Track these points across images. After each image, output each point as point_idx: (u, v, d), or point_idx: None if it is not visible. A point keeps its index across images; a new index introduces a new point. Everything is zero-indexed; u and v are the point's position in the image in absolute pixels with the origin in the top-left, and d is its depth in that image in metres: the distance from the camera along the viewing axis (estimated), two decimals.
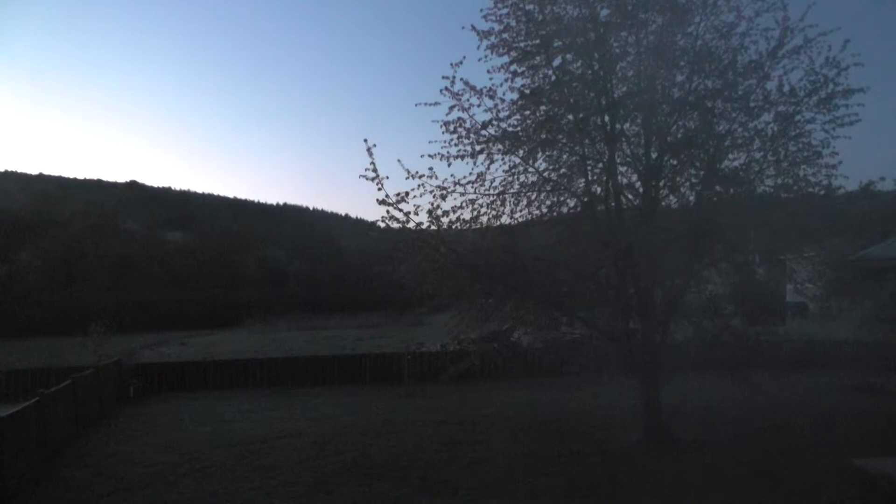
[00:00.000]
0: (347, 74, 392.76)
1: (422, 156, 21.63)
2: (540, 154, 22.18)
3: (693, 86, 21.27)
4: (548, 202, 22.62)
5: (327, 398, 34.49)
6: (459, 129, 21.45)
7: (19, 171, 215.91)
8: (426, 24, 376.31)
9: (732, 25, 20.78)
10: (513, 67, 21.92)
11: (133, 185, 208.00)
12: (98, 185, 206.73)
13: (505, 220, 22.52)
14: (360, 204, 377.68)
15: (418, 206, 21.00)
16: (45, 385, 24.21)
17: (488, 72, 21.89)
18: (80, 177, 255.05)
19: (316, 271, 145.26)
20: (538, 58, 21.86)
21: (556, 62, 21.91)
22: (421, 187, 21.09)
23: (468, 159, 21.69)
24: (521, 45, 21.85)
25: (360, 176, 20.67)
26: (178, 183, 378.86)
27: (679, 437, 21.37)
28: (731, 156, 21.26)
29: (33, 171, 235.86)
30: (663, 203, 22.04)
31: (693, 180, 21.58)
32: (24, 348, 67.27)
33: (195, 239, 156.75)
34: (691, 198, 21.74)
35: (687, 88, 21.32)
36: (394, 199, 20.75)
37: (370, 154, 20.50)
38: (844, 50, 19.57)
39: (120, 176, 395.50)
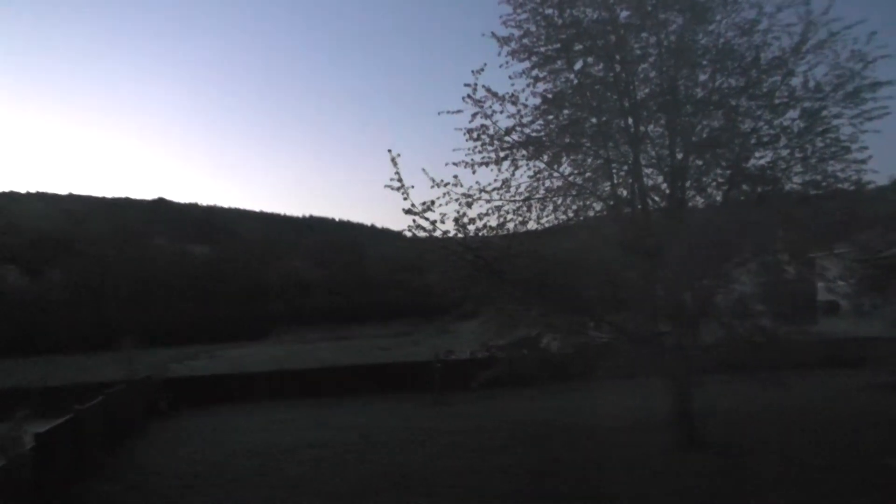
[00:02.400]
0: (371, 85, 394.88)
1: (446, 164, 21.64)
2: (564, 158, 22.09)
3: (716, 85, 21.14)
4: (574, 207, 22.56)
5: (356, 407, 34.53)
6: (483, 137, 21.40)
7: (49, 191, 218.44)
8: (447, 32, 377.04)
9: (754, 22, 20.57)
10: (534, 72, 21.90)
11: (160, 202, 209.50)
12: (126, 202, 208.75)
13: (531, 225, 22.46)
14: (386, 213, 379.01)
15: (444, 215, 20.89)
16: (77, 401, 24.30)
17: (510, 77, 21.89)
18: (108, 195, 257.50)
19: (342, 281, 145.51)
20: (559, 62, 21.81)
21: (578, 66, 21.85)
22: (446, 195, 20.99)
23: (493, 166, 21.65)
24: (542, 49, 21.80)
25: (386, 186, 20.58)
26: (205, 198, 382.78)
27: (710, 441, 21.09)
28: (757, 154, 21.06)
29: (62, 191, 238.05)
30: (690, 204, 21.87)
31: (719, 180, 21.41)
32: (55, 365, 67.76)
33: (222, 253, 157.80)
34: (718, 198, 21.57)
35: (710, 87, 21.19)
36: (420, 207, 20.66)
37: (395, 164, 20.41)
38: (870, 42, 19.37)
39: (147, 193, 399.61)
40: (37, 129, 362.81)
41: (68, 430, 21.60)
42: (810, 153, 20.26)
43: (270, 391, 40.18)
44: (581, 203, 22.55)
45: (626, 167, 22.00)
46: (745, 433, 22.44)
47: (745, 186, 20.92)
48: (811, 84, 20.04)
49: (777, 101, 20.44)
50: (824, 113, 20.04)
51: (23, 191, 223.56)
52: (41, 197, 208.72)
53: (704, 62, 21.19)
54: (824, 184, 20.34)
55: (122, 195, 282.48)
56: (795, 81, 20.33)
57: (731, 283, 21.52)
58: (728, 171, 20.97)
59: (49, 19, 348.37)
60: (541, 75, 21.93)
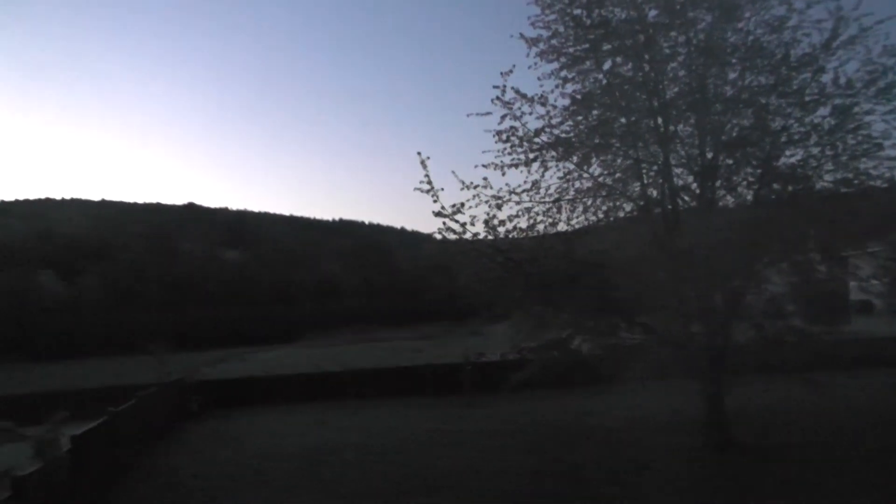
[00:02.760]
0: (400, 88, 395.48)
1: (476, 166, 21.64)
2: (594, 159, 22.05)
3: (746, 83, 20.98)
4: (604, 207, 22.52)
5: (387, 410, 34.50)
6: (512, 138, 21.39)
7: (82, 197, 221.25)
8: (476, 34, 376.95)
9: (784, 19, 20.38)
10: (563, 73, 21.89)
11: (190, 207, 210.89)
12: (157, 207, 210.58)
13: (561, 227, 22.41)
14: (416, 216, 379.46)
15: (474, 217, 20.95)
16: (111, 403, 24.56)
17: (538, 79, 21.90)
18: (140, 201, 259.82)
19: (372, 284, 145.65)
20: (588, 62, 21.76)
21: (606, 66, 21.79)
22: (476, 198, 21.05)
23: (522, 168, 21.64)
24: (570, 50, 21.76)
25: (415, 189, 20.68)
26: (235, 202, 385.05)
27: (743, 443, 20.96)
28: (787, 152, 20.86)
29: (95, 198, 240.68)
30: (720, 204, 21.70)
31: (750, 179, 21.24)
32: (88, 368, 68.47)
33: (252, 256, 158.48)
34: (748, 197, 21.39)
35: (739, 86, 21.04)
36: (449, 210, 20.71)
37: (425, 166, 20.51)
38: None
39: (177, 198, 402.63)
40: (71, 137, 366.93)
41: (103, 432, 21.88)
42: (842, 151, 20.02)
43: (302, 394, 40.20)
44: (611, 204, 22.51)
45: (655, 167, 21.93)
46: (778, 435, 22.27)
47: (775, 185, 20.73)
48: (842, 80, 19.79)
49: (807, 99, 20.21)
50: (856, 109, 19.78)
51: (58, 197, 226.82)
52: (75, 203, 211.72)
53: (734, 60, 21.04)
54: (856, 182, 20.07)
55: (154, 200, 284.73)
56: (826, 78, 20.07)
57: (762, 283, 21.37)
58: (758, 170, 20.82)
59: (80, 30, 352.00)
60: (569, 76, 21.93)
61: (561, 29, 21.69)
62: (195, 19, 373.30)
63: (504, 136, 21.37)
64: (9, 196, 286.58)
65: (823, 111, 20.17)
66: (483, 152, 21.97)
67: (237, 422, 34.10)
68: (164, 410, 32.63)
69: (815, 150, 20.34)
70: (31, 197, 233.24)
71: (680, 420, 24.30)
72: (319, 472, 21.98)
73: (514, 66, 20.91)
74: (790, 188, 20.45)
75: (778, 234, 20.07)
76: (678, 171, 22.05)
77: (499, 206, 21.39)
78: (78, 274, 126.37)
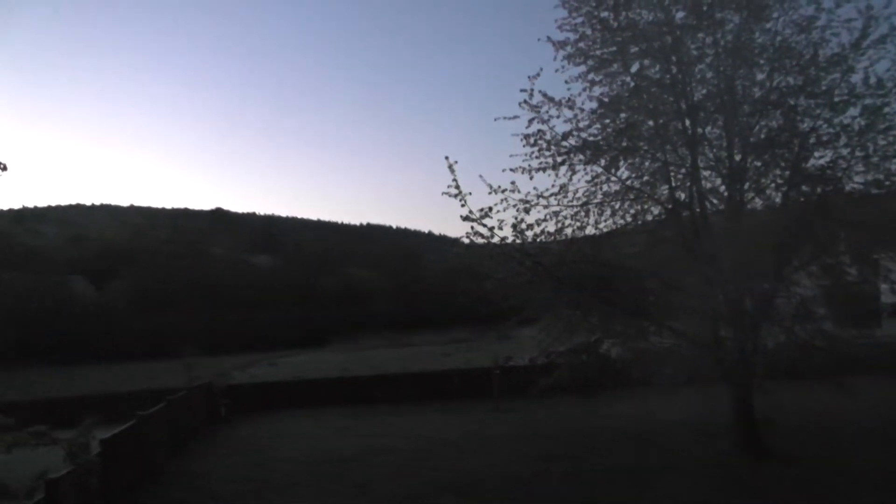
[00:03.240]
0: (427, 93, 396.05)
1: (504, 170, 21.58)
2: (622, 162, 21.92)
3: (774, 84, 20.87)
4: (632, 211, 22.38)
5: (416, 414, 34.49)
6: (540, 142, 21.34)
7: (112, 203, 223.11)
8: (503, 38, 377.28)
9: (812, 19, 20.26)
10: (590, 76, 21.88)
11: (218, 212, 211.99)
12: (185, 213, 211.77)
13: (589, 230, 22.31)
14: (444, 220, 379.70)
15: (502, 221, 20.94)
16: (141, 407, 24.74)
17: (566, 82, 21.91)
18: (168, 206, 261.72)
19: (401, 289, 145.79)
20: (615, 65, 21.73)
21: (634, 68, 21.75)
22: (504, 202, 21.01)
23: (550, 171, 21.57)
24: (598, 53, 21.76)
25: (443, 193, 20.68)
26: (262, 208, 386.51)
27: (774, 448, 20.77)
28: (816, 154, 20.67)
29: (125, 203, 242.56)
30: (749, 206, 21.54)
31: (778, 181, 21.07)
32: (118, 372, 68.94)
33: (281, 261, 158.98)
34: (777, 199, 21.23)
35: (768, 87, 20.93)
36: (477, 214, 20.72)
37: (452, 171, 20.54)
38: None
39: (205, 204, 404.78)
40: (101, 144, 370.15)
41: (132, 436, 22.03)
42: (872, 151, 19.81)
43: (331, 398, 40.29)
44: (639, 207, 22.38)
45: (683, 170, 21.83)
46: (808, 440, 22.05)
47: (804, 187, 20.54)
48: (872, 80, 19.62)
49: (837, 99, 20.06)
50: (886, 110, 19.58)
51: (88, 203, 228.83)
52: (105, 209, 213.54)
53: (762, 61, 20.96)
54: (887, 183, 19.85)
55: (182, 206, 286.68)
56: (856, 78, 19.94)
57: (791, 286, 21.19)
58: (787, 172, 20.66)
59: (108, 40, 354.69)
60: (597, 79, 21.92)
61: (588, 32, 21.69)
62: (226, 27, 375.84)
63: (532, 140, 21.34)
64: (41, 202, 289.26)
65: (853, 112, 20.00)
66: (511, 156, 21.86)
67: (266, 426, 34.20)
68: (193, 414, 32.79)
69: (845, 152, 20.16)
70: (63, 203, 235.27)
71: (709, 425, 24.10)
72: (349, 477, 22.00)
73: (541, 69, 20.93)
74: (819, 190, 20.25)
75: (807, 237, 19.93)
76: (706, 173, 21.98)
77: (527, 210, 21.36)
78: (108, 279, 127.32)
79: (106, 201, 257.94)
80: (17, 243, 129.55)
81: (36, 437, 19.96)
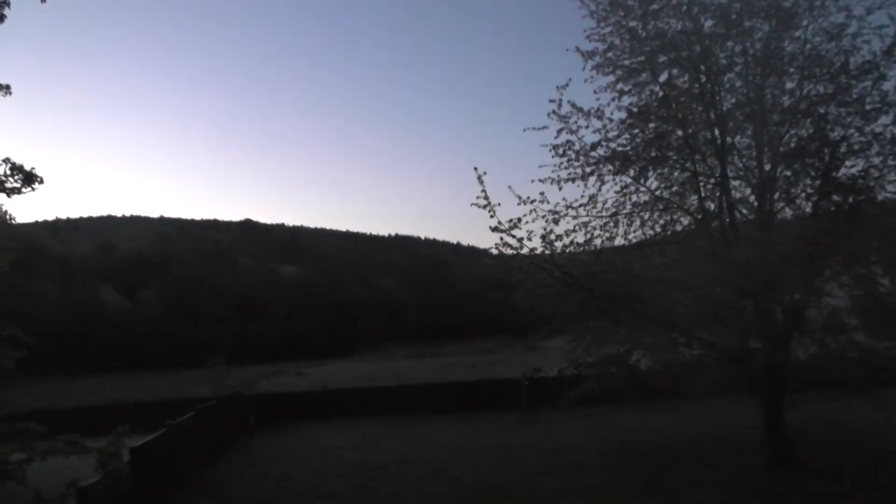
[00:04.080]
0: (455, 103, 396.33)
1: (532, 181, 21.60)
2: (651, 172, 21.88)
3: (804, 92, 20.72)
4: (661, 221, 22.31)
5: (444, 425, 34.42)
6: (569, 152, 21.36)
7: (142, 214, 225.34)
8: (531, 49, 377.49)
9: (842, 26, 20.13)
10: (619, 86, 21.84)
11: (247, 223, 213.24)
12: (214, 224, 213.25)
13: (618, 241, 22.27)
14: (472, 231, 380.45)
15: (531, 232, 20.91)
16: (170, 416, 24.89)
17: (594, 92, 21.92)
18: (197, 217, 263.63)
19: (429, 299, 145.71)
20: (644, 74, 21.67)
21: (663, 78, 21.69)
22: (533, 212, 21.00)
23: (579, 182, 21.61)
24: (626, 62, 21.73)
25: (472, 204, 20.61)
26: (291, 218, 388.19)
27: (807, 462, 20.51)
28: (847, 163, 20.52)
29: (154, 215, 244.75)
30: (779, 216, 21.36)
31: (808, 190, 20.90)
32: (148, 381, 69.42)
33: (309, 271, 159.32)
34: (807, 209, 21.02)
35: (797, 95, 20.79)
36: (506, 225, 20.64)
37: (481, 182, 20.47)
38: None
39: (234, 215, 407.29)
40: (130, 155, 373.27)
41: (162, 445, 22.17)
42: None
43: (358, 408, 40.32)
44: (668, 217, 22.30)
45: (713, 180, 21.69)
46: (841, 453, 21.71)
47: (835, 196, 20.35)
48: None
49: (868, 107, 19.91)
50: None
51: (119, 214, 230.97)
52: (135, 220, 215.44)
53: (791, 69, 20.85)
54: None
55: (211, 217, 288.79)
56: (888, 86, 19.83)
57: (823, 297, 20.97)
58: (817, 182, 20.50)
59: (142, 54, 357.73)
60: (626, 88, 21.87)
61: (617, 41, 21.66)
62: (256, 40, 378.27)
63: (560, 151, 21.35)
64: (74, 214, 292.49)
65: (885, 120, 19.88)
66: (540, 167, 21.94)
67: (294, 435, 34.25)
68: (221, 423, 32.87)
69: (877, 160, 20.00)
70: (94, 214, 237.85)
71: (740, 437, 23.90)
72: (376, 487, 21.99)
73: (570, 79, 20.96)
74: (851, 199, 20.05)
75: (839, 247, 19.69)
76: (736, 183, 21.83)
77: (556, 221, 21.34)
78: (138, 289, 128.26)
79: (136, 212, 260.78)
80: (51, 254, 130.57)
81: (68, 445, 20.08)
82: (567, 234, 21.49)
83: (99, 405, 44.25)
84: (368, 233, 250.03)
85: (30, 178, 16.74)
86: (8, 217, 18.85)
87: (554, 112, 21.07)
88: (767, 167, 21.02)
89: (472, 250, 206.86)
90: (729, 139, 21.36)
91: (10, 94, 16.47)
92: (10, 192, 16.69)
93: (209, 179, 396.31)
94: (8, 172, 16.56)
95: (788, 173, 21.00)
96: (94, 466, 19.72)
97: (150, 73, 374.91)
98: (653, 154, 21.48)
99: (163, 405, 38.83)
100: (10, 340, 18.12)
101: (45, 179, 17.05)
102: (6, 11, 14.89)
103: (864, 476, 19.26)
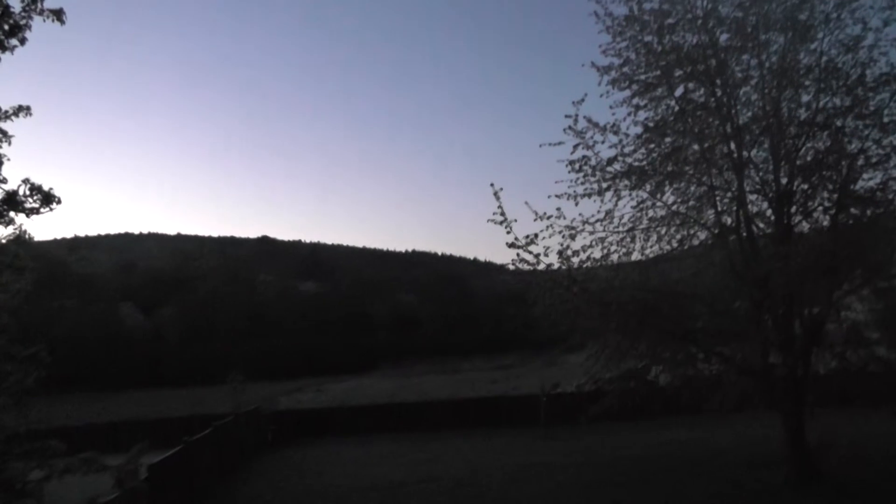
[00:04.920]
0: (473, 119, 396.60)
1: (549, 196, 21.51)
2: (667, 187, 21.76)
3: (820, 105, 20.56)
4: (678, 236, 22.18)
5: (464, 441, 34.37)
6: (585, 167, 21.30)
7: (160, 231, 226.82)
8: (547, 64, 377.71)
9: (859, 38, 20.02)
10: (635, 101, 21.72)
11: (265, 240, 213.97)
12: (232, 241, 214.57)
13: (636, 256, 22.17)
14: (489, 247, 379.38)
15: (548, 248, 20.85)
16: (188, 433, 25.00)
17: (610, 107, 21.84)
18: (215, 234, 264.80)
19: (448, 315, 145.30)
20: (660, 89, 21.57)
21: (678, 92, 21.58)
22: (549, 228, 20.92)
23: (595, 197, 21.50)
24: (642, 77, 21.63)
25: (489, 220, 20.61)
26: (308, 235, 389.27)
27: (829, 476, 20.34)
28: (865, 175, 20.41)
29: (172, 232, 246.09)
30: (797, 229, 21.24)
31: (826, 204, 20.77)
32: (167, 397, 69.80)
33: (327, 288, 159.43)
34: (825, 222, 20.89)
35: (814, 108, 20.63)
36: (523, 241, 20.63)
37: (497, 198, 20.45)
38: None
39: (252, 231, 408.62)
40: (148, 172, 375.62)
41: (180, 461, 22.26)
42: None
43: (378, 424, 40.33)
44: (685, 232, 22.19)
45: (730, 194, 21.57)
46: (863, 469, 21.53)
47: (853, 209, 20.25)
48: None
49: (886, 120, 19.82)
50: None
51: (137, 232, 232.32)
52: (154, 237, 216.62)
53: (808, 82, 20.71)
54: None
55: (229, 234, 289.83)
56: None
57: (842, 310, 20.85)
58: (835, 195, 20.38)
59: (157, 72, 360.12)
60: (641, 103, 21.75)
61: (632, 56, 21.57)
62: (273, 60, 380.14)
63: (577, 166, 21.29)
64: (93, 231, 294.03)
65: None
66: (556, 182, 21.88)
67: (313, 452, 34.28)
68: (240, 440, 32.94)
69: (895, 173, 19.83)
70: (113, 232, 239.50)
71: (760, 452, 23.77)
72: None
73: (585, 94, 20.92)
74: (869, 212, 19.94)
75: (858, 260, 19.56)
76: (753, 197, 21.70)
77: (572, 237, 21.28)
78: (156, 306, 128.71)
79: (154, 230, 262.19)
80: (70, 271, 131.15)
81: (86, 463, 20.21)
82: (584, 249, 21.42)
83: (118, 422, 44.47)
84: (386, 249, 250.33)
85: (48, 198, 16.88)
86: (28, 236, 18.98)
87: (570, 127, 21.06)
88: (784, 180, 20.90)
89: (489, 266, 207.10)
90: (745, 153, 21.22)
91: (31, 115, 16.58)
92: (30, 212, 16.81)
93: (227, 196, 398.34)
94: (27, 193, 16.70)
95: (806, 186, 20.87)
96: (112, 485, 19.87)
97: (170, 91, 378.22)
98: (669, 168, 21.39)
99: (182, 421, 39.04)
100: (31, 359, 18.25)
101: (62, 199, 17.18)
102: (27, 34, 14.96)
103: (885, 490, 19.09)
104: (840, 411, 22.10)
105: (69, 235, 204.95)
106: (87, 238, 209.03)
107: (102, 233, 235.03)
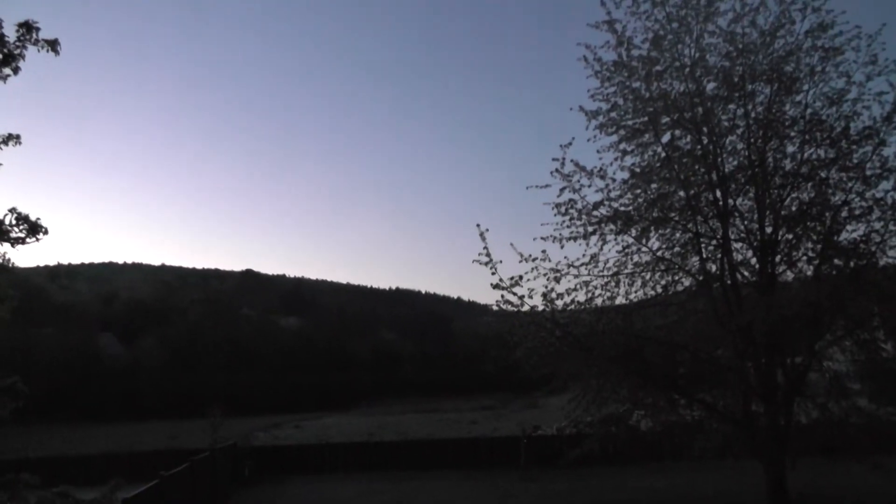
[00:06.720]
0: (458, 159, 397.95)
1: (534, 238, 21.61)
2: (653, 233, 21.86)
3: (805, 156, 20.78)
4: (662, 282, 22.27)
5: (442, 481, 34.15)
6: (571, 211, 21.38)
7: (144, 262, 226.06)
8: (534, 106, 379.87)
9: (843, 92, 20.29)
10: (622, 146, 21.92)
11: (248, 273, 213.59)
12: (215, 273, 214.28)
13: (620, 301, 22.22)
14: (473, 287, 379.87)
15: (532, 290, 20.90)
16: (164, 467, 24.80)
17: (598, 151, 22.04)
18: (199, 266, 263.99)
19: (429, 354, 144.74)
20: (647, 135, 21.75)
21: (665, 139, 21.76)
22: (534, 270, 21.01)
23: (581, 241, 21.57)
24: (630, 122, 21.81)
25: (474, 261, 20.67)
26: (292, 270, 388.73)
27: None
28: (849, 227, 20.56)
29: (156, 262, 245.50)
30: (781, 279, 21.35)
31: (810, 254, 20.86)
32: (144, 430, 69.16)
33: (309, 323, 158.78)
34: (809, 272, 20.99)
35: (799, 159, 20.83)
36: (507, 282, 20.68)
37: (483, 239, 20.55)
38: None
39: (236, 265, 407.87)
40: (132, 203, 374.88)
41: (154, 496, 22.06)
42: None
43: (356, 463, 40.04)
44: (670, 278, 22.28)
45: (714, 241, 21.68)
46: None
47: (836, 261, 20.39)
48: None
49: (869, 173, 20.00)
50: None
51: (119, 261, 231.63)
52: (136, 267, 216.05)
53: (793, 133, 20.94)
54: None
55: (212, 266, 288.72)
56: (888, 151, 19.95)
57: (825, 361, 20.93)
58: (819, 245, 20.51)
59: (141, 99, 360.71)
60: (628, 149, 21.95)
61: (620, 102, 21.75)
62: (260, 87, 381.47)
63: (563, 209, 21.38)
64: (74, 259, 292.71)
65: (886, 185, 19.95)
66: (542, 224, 21.90)
67: (289, 489, 34.08)
68: (216, 475, 32.67)
69: (878, 226, 20.02)
70: (96, 261, 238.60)
71: (741, 501, 23.69)
72: None
73: (573, 138, 21.05)
74: (852, 264, 20.06)
75: (841, 311, 19.66)
76: (737, 245, 21.80)
77: (557, 279, 21.32)
78: (137, 336, 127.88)
79: (137, 260, 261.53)
80: (50, 300, 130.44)
81: (59, 497, 19.91)
82: (568, 292, 21.44)
83: (94, 455, 43.89)
84: (370, 286, 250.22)
85: (35, 228, 16.74)
86: (10, 264, 18.85)
87: (557, 170, 21.16)
88: (769, 230, 21.03)
89: (473, 306, 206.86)
90: (731, 201, 21.36)
91: (20, 143, 16.53)
92: (15, 241, 16.67)
93: (211, 229, 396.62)
94: (13, 222, 16.58)
95: (790, 236, 21.01)
96: None
97: (153, 121, 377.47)
98: (655, 215, 21.50)
99: (158, 455, 38.69)
100: (7, 391, 18.02)
101: (49, 230, 17.10)
102: (20, 63, 14.93)
103: None
104: (822, 462, 22.03)
105: (51, 263, 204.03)
106: (69, 266, 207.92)
107: (86, 261, 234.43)
